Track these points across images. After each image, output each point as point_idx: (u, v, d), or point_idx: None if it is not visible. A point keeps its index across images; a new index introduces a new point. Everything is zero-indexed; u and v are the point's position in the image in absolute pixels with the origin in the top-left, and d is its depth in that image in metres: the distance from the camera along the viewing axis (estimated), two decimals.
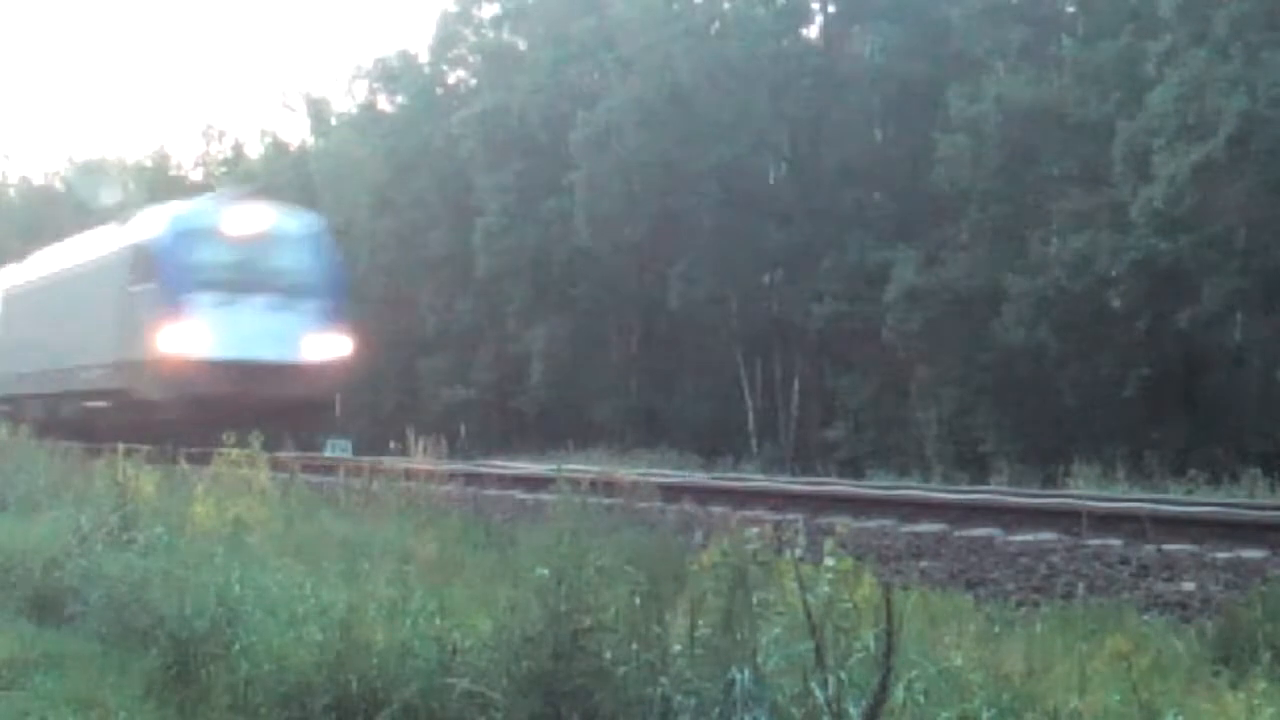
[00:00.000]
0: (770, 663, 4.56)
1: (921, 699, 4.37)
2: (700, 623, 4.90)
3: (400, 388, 47.50)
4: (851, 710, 4.20)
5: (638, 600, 5.09)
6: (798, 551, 4.90)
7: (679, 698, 4.63)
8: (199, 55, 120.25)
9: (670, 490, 15.93)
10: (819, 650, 4.41)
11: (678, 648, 4.92)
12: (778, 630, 4.70)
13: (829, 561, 4.62)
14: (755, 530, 5.23)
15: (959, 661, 4.64)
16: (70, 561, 9.97)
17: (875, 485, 20.82)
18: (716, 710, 4.49)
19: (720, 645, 4.76)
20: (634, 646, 4.98)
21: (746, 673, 4.46)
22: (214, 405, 20.12)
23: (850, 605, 4.58)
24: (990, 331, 31.95)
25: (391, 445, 20.70)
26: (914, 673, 4.43)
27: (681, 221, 39.34)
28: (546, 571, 5.36)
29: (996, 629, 6.18)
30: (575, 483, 6.33)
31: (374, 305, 48.50)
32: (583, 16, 44.29)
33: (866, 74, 39.22)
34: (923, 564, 11.51)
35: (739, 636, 4.71)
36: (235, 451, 12.82)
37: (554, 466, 14.40)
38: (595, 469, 16.82)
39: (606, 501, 14.15)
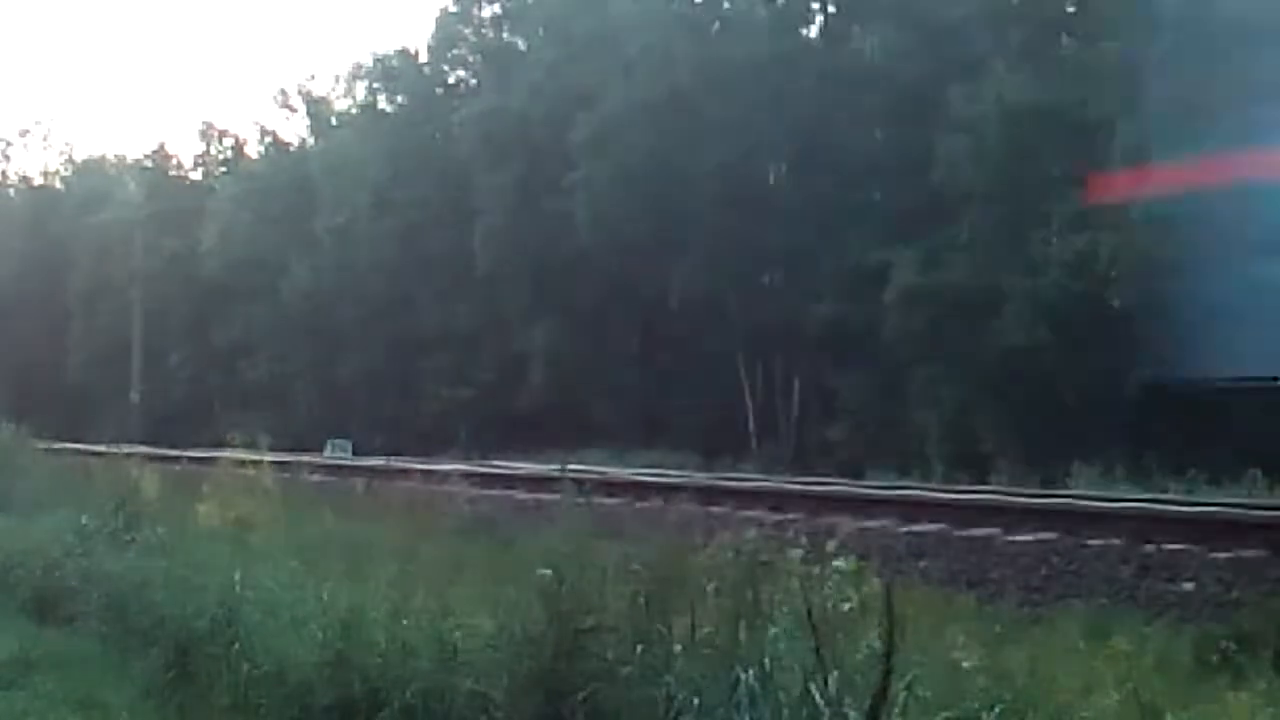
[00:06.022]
0: (773, 662, 4.56)
1: (923, 699, 4.38)
2: (703, 623, 4.90)
3: (400, 388, 47.51)
4: (852, 711, 4.20)
5: (641, 600, 5.09)
6: (798, 551, 4.88)
7: (682, 697, 4.63)
8: (199, 54, 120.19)
9: (670, 490, 15.95)
10: (818, 650, 4.41)
11: (678, 647, 4.92)
12: (778, 630, 4.70)
13: (838, 564, 4.62)
14: (757, 531, 5.24)
15: (965, 663, 4.64)
16: (71, 562, 9.98)
17: (875, 485, 20.83)
18: (720, 710, 4.49)
19: (724, 645, 4.76)
20: (638, 647, 4.97)
21: (750, 672, 4.46)
22: None
23: (852, 605, 4.58)
24: (990, 331, 31.91)
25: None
26: (915, 672, 4.43)
27: (681, 221, 39.30)
28: (548, 571, 5.36)
29: (998, 628, 6.18)
30: (577, 484, 6.33)
31: (374, 305, 48.55)
32: (583, 16, 44.25)
33: (866, 74, 39.17)
34: (923, 564, 11.53)
35: (743, 636, 4.71)
36: (239, 452, 12.84)
37: (556, 466, 14.38)
38: (597, 469, 16.84)
39: (609, 501, 14.16)
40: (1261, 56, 10.31)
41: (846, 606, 4.55)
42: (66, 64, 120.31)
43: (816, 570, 4.71)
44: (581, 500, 5.97)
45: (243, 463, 12.65)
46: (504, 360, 44.19)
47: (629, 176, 39.10)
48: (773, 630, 4.68)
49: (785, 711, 4.45)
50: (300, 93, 59.50)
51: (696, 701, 4.61)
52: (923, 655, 4.66)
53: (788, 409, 40.20)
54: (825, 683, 4.36)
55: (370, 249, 48.21)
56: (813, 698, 4.31)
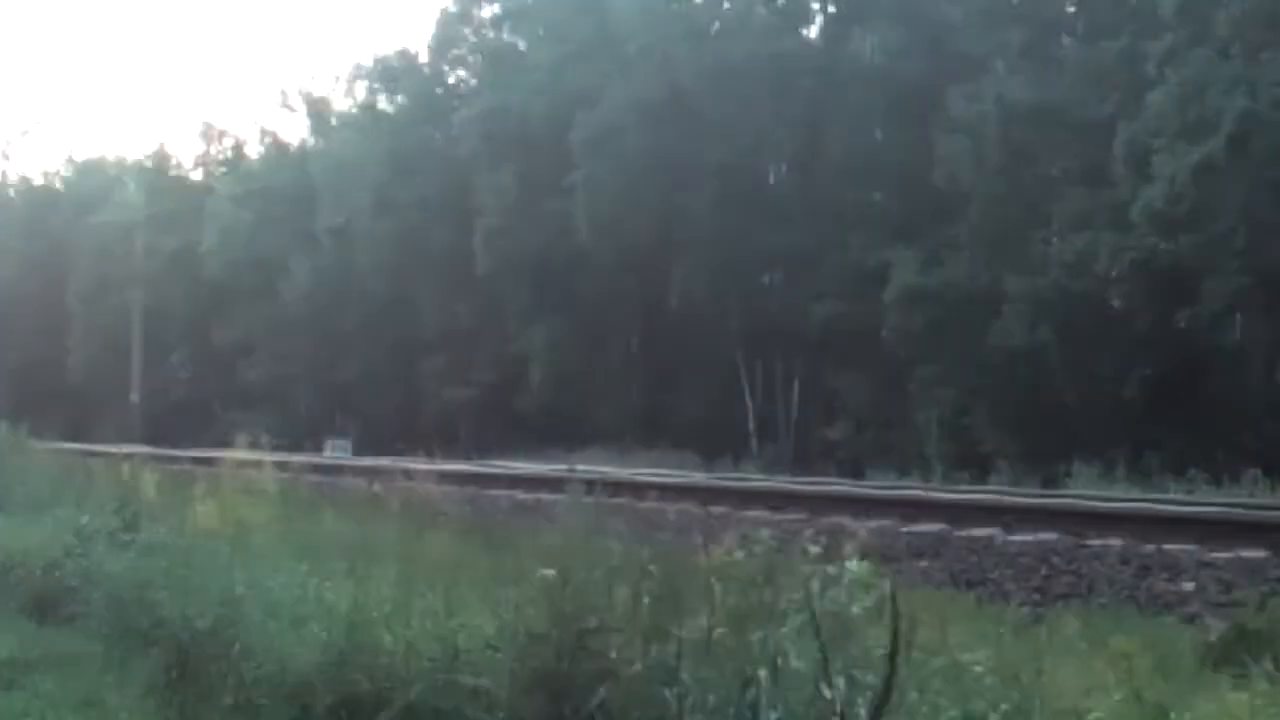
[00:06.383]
0: (784, 662, 4.56)
1: (930, 699, 4.38)
2: (713, 623, 4.89)
3: (400, 388, 47.53)
4: (861, 712, 4.20)
5: (646, 600, 5.08)
6: (814, 550, 4.87)
7: (693, 697, 4.62)
8: (199, 55, 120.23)
9: (671, 490, 15.94)
10: (823, 651, 4.41)
11: (686, 647, 4.91)
12: (788, 630, 4.70)
13: (850, 565, 4.61)
14: (767, 531, 5.23)
15: (975, 666, 4.63)
16: (71, 561, 9.97)
17: (875, 485, 20.85)
18: (731, 710, 4.49)
19: (734, 645, 4.75)
20: (651, 647, 4.96)
21: (765, 673, 4.46)
22: None
23: (865, 607, 4.57)
24: (990, 331, 31.95)
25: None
26: (921, 669, 4.43)
27: (681, 221, 39.34)
28: (551, 571, 5.36)
29: (1002, 630, 6.18)
30: (586, 484, 6.34)
31: (374, 305, 48.58)
32: (583, 16, 44.28)
33: (866, 74, 39.22)
34: (923, 564, 11.52)
35: (759, 636, 4.70)
36: (239, 452, 12.84)
37: (557, 466, 14.40)
38: (597, 469, 16.85)
39: (609, 501, 14.14)
40: None
41: (858, 609, 4.54)
42: (66, 64, 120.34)
43: (830, 569, 4.70)
44: (589, 500, 5.97)
45: (243, 463, 12.65)
46: (504, 360, 44.24)
47: (629, 177, 39.14)
48: (784, 629, 4.68)
49: (802, 711, 4.44)
50: (300, 93, 59.60)
51: (712, 700, 4.60)
52: (926, 656, 4.66)
53: (788, 409, 40.23)
54: (831, 684, 4.36)
55: (370, 249, 48.22)
56: (823, 699, 4.30)
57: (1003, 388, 31.96)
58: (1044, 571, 10.88)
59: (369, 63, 54.94)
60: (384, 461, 22.15)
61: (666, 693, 4.67)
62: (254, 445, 13.99)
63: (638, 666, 4.89)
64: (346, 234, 49.31)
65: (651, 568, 5.19)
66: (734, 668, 4.61)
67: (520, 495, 16.85)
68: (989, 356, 32.08)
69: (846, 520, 13.16)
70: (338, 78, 60.80)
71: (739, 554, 5.07)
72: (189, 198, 58.23)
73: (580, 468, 11.68)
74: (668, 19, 41.59)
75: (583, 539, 5.57)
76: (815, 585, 4.52)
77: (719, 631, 4.84)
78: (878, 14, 39.46)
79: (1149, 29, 31.34)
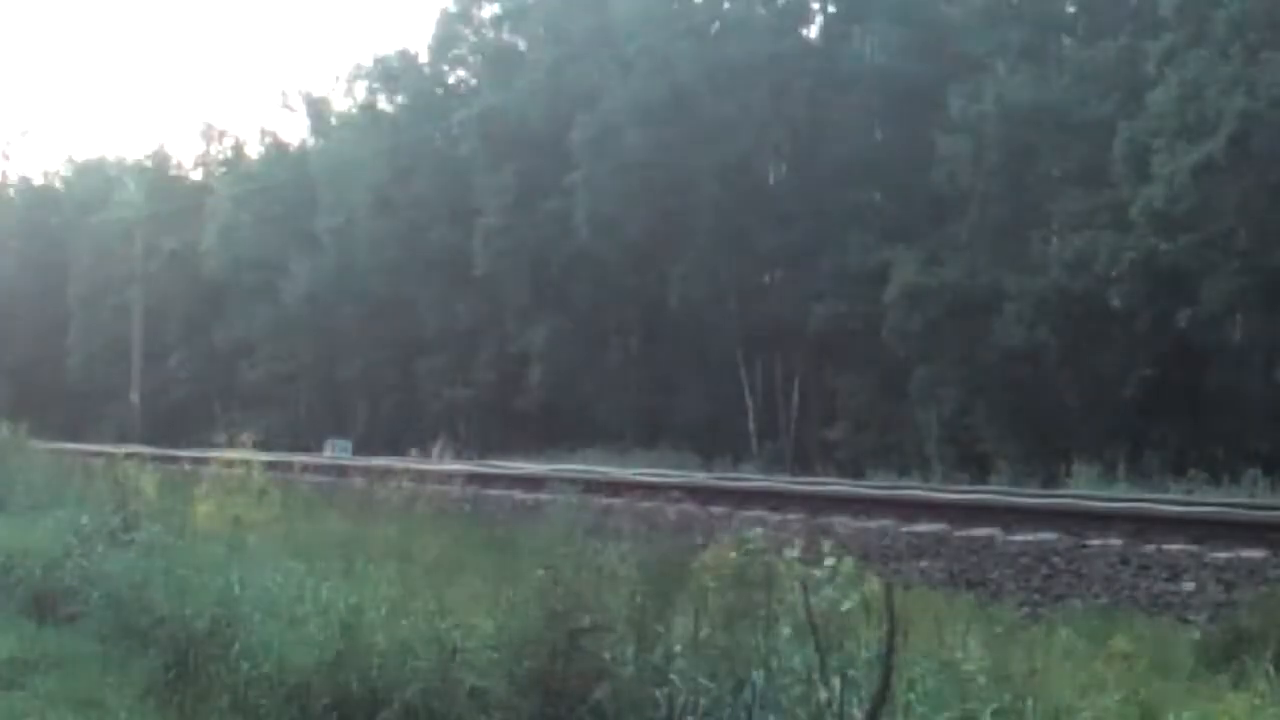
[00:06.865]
0: (779, 663, 4.56)
1: (924, 699, 4.37)
2: (704, 623, 4.88)
3: (400, 388, 47.52)
4: (856, 711, 4.20)
5: (638, 599, 5.08)
6: (794, 552, 4.87)
7: (684, 698, 4.61)
8: (199, 55, 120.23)
9: (671, 490, 15.94)
10: (820, 651, 4.40)
11: (678, 648, 4.91)
12: (781, 630, 4.70)
13: (828, 562, 4.61)
14: (759, 530, 5.23)
15: (967, 666, 4.63)
16: (71, 561, 9.98)
17: (875, 485, 20.86)
18: (726, 711, 4.48)
19: (727, 646, 4.75)
20: (637, 647, 4.96)
21: (761, 674, 4.45)
22: None
23: (854, 605, 4.57)
24: (990, 331, 31.93)
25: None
26: (915, 669, 4.43)
27: (681, 221, 39.32)
28: (542, 571, 5.36)
29: (999, 629, 6.18)
30: (573, 482, 6.33)
31: (374, 305, 48.57)
32: (583, 16, 44.26)
33: (866, 74, 39.20)
34: (923, 564, 11.53)
35: (755, 637, 4.69)
36: (237, 452, 12.83)
37: (559, 467, 14.37)
38: (597, 469, 16.86)
39: (609, 501, 14.16)
40: None
41: (845, 607, 4.54)
42: (66, 64, 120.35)
43: (816, 572, 4.69)
44: (573, 500, 5.98)
45: (241, 463, 12.64)
46: (504, 360, 44.22)
47: (629, 177, 39.12)
48: (782, 631, 4.67)
49: (796, 712, 4.44)
50: (300, 93, 59.61)
51: (702, 703, 4.60)
52: (924, 657, 4.65)
53: (788, 409, 40.21)
54: (827, 683, 4.35)
55: (370, 249, 48.22)
56: (817, 699, 4.30)
57: (1003, 388, 31.94)
58: (1044, 571, 10.89)
59: (369, 63, 54.95)
60: (384, 461, 22.15)
61: (658, 693, 4.66)
62: (251, 445, 13.97)
63: (630, 668, 4.88)
64: (346, 234, 49.30)
65: (629, 571, 5.18)
66: (727, 668, 4.61)
67: (520, 495, 16.85)
68: (989, 356, 32.06)
69: (847, 520, 13.18)
70: (338, 78, 61.01)
71: (732, 554, 5.07)
72: (189, 198, 58.21)
73: (572, 467, 11.65)
74: (668, 19, 41.56)
75: (572, 538, 5.57)
76: (797, 587, 4.51)
77: (709, 632, 4.84)
78: (878, 14, 39.42)
79: (1149, 29, 31.32)
